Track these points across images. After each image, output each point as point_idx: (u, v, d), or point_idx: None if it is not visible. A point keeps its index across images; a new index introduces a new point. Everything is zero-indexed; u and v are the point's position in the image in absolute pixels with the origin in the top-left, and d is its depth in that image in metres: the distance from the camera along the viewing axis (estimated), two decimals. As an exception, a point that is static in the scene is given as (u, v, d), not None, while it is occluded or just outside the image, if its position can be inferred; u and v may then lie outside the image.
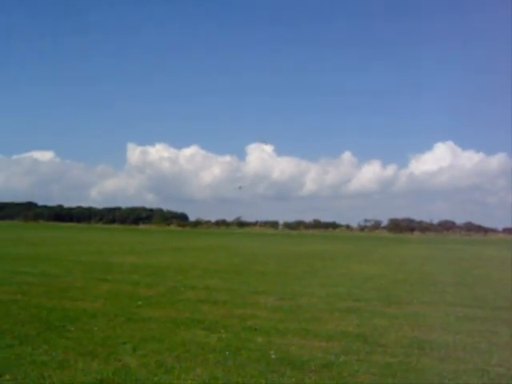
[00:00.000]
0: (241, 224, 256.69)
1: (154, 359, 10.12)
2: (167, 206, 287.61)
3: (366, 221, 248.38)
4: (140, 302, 16.55)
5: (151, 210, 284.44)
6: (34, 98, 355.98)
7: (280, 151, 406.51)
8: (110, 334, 12.14)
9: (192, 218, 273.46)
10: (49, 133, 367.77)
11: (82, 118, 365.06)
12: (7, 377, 8.83)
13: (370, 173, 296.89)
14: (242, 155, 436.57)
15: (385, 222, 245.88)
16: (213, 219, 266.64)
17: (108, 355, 10.26)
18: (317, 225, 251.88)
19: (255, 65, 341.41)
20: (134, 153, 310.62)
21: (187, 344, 11.42)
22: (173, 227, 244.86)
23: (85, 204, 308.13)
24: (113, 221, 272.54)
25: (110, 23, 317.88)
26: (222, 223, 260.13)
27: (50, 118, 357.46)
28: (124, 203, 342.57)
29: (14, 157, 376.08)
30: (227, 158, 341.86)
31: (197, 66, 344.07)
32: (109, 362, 9.82)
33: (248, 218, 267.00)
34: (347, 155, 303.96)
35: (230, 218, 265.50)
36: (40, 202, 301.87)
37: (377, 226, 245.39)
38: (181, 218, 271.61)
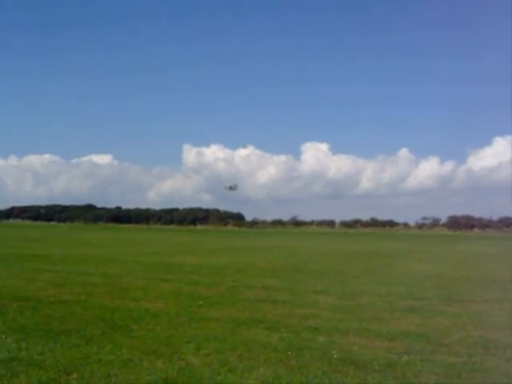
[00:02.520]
0: (297, 223, 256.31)
1: (217, 358, 10.19)
2: (223, 207, 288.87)
3: (423, 218, 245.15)
4: (201, 302, 16.70)
5: (208, 211, 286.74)
6: (92, 104, 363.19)
7: (335, 149, 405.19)
8: (172, 333, 12.28)
9: (248, 217, 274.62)
10: (107, 136, 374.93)
11: (138, 121, 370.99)
12: (75, 375, 9.03)
13: (428, 169, 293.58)
14: (297, 154, 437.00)
15: (443, 220, 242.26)
16: (269, 219, 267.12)
17: (172, 354, 10.39)
18: (374, 223, 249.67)
19: (310, 67, 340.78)
20: (190, 154, 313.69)
21: (249, 343, 11.46)
22: (229, 227, 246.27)
23: (143, 205, 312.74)
24: (170, 222, 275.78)
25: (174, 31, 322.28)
26: (278, 223, 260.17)
27: (108, 122, 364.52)
28: (181, 204, 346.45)
29: (74, 160, 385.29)
30: (282, 158, 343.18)
31: (253, 69, 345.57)
32: (173, 361, 9.93)
33: (304, 217, 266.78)
34: (404, 152, 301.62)
35: (285, 218, 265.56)
36: (99, 205, 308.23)
37: (435, 223, 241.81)
38: (237, 218, 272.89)
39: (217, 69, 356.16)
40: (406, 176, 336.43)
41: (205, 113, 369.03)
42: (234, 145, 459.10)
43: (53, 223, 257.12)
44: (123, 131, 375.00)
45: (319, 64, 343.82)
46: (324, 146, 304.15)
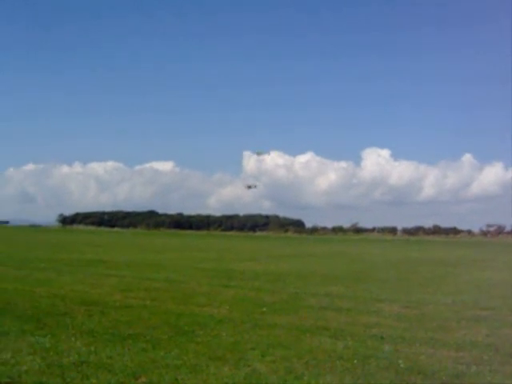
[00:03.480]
0: (358, 230, 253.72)
1: (283, 365, 10.19)
2: (283, 213, 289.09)
3: (488, 226, 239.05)
4: (264, 309, 16.73)
5: (268, 217, 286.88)
6: (154, 113, 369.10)
7: (397, 155, 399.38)
8: (238, 339, 12.34)
9: (308, 224, 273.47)
10: (169, 144, 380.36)
11: (199, 128, 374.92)
12: (143, 379, 9.16)
13: (492, 175, 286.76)
14: (357, 160, 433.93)
15: (508, 227, 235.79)
16: (329, 225, 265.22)
17: (238, 360, 10.44)
18: (437, 230, 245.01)
19: (368, 73, 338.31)
20: (250, 161, 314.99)
21: (314, 351, 11.42)
22: (289, 234, 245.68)
23: (203, 212, 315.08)
24: (231, 228, 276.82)
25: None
26: (338, 229, 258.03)
27: (170, 129, 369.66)
28: (241, 210, 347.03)
29: (137, 167, 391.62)
30: (343, 164, 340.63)
31: (309, 75, 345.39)
32: (239, 367, 9.98)
33: (365, 223, 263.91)
34: (467, 158, 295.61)
35: (346, 225, 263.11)
36: (161, 211, 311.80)
37: (500, 230, 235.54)
38: (297, 225, 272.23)
39: (277, 75, 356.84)
40: (469, 182, 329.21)
41: (265, 120, 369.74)
42: (293, 151, 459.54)
43: (116, 229, 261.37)
44: (185, 138, 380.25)
45: (380, 66, 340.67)
46: (385, 152, 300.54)
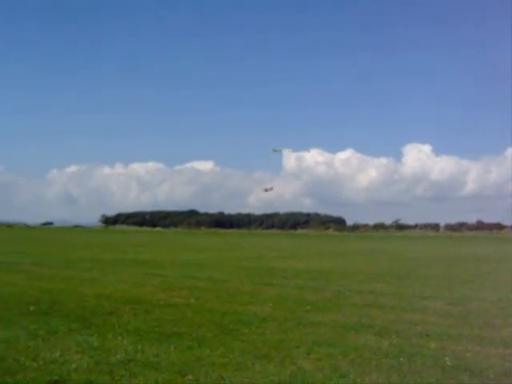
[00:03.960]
0: (400, 227, 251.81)
1: (329, 363, 10.18)
2: (324, 211, 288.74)
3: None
4: (308, 307, 16.71)
5: (308, 215, 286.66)
6: (193, 113, 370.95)
7: (438, 150, 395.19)
8: (282, 337, 12.36)
9: (349, 221, 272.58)
10: (209, 144, 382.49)
11: (238, 127, 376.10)
12: (190, 377, 9.24)
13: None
14: (398, 156, 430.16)
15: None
16: (370, 222, 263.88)
17: (283, 358, 10.46)
18: (480, 226, 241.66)
19: (408, 70, 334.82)
20: (290, 159, 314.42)
21: (359, 349, 11.38)
22: (330, 231, 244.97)
23: (244, 210, 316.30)
24: (271, 226, 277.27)
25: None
26: (380, 226, 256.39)
27: (210, 129, 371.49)
28: (282, 209, 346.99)
29: (177, 167, 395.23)
30: (383, 160, 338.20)
31: (350, 72, 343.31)
32: (284, 365, 10.00)
33: (407, 220, 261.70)
34: (511, 152, 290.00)
35: (388, 221, 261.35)
36: (201, 210, 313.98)
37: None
38: (338, 222, 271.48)
39: (316, 73, 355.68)
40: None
41: (304, 118, 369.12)
42: (333, 148, 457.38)
43: (157, 229, 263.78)
44: (224, 138, 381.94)
45: (419, 62, 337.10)
46: (426, 148, 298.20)
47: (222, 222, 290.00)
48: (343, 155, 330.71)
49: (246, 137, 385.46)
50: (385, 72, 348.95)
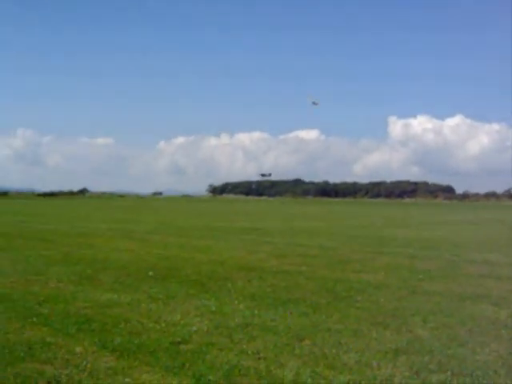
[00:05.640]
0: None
1: (446, 332, 10.05)
2: (432, 179, 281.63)
3: None
4: (421, 276, 16.50)
5: (416, 184, 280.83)
6: (296, 80, 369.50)
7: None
8: (396, 305, 12.30)
9: (459, 190, 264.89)
10: (313, 112, 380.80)
11: (343, 94, 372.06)
12: (307, 342, 9.38)
13: None
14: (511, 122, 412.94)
15: None
16: (481, 191, 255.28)
17: (399, 326, 10.42)
18: None
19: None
20: (396, 126, 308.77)
21: (477, 318, 11.15)
22: (439, 200, 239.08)
23: (349, 179, 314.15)
24: (377, 195, 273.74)
25: None
26: (491, 195, 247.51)
27: (317, 98, 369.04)
28: (388, 177, 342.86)
29: (281, 137, 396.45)
30: (495, 126, 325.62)
31: (450, 28, 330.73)
32: (400, 333, 9.97)
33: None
34: None
35: (500, 190, 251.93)
36: (307, 179, 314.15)
37: None
38: (447, 191, 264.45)
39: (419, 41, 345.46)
40: None
41: (411, 83, 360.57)
42: (441, 114, 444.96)
43: (263, 198, 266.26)
44: (329, 106, 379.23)
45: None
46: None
47: (327, 190, 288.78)
48: (452, 121, 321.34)
49: (350, 104, 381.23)
50: (495, 27, 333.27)
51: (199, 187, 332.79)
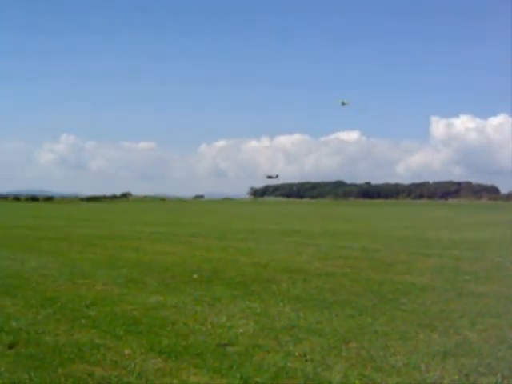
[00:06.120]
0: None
1: (495, 334, 9.90)
2: (476, 179, 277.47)
3: None
4: (467, 277, 16.29)
5: (459, 184, 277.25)
6: (337, 83, 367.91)
7: None
8: (443, 307, 12.16)
9: (503, 190, 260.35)
10: (354, 113, 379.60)
11: (383, 95, 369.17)
12: (354, 344, 9.34)
13: None
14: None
15: None
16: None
17: (446, 328, 10.29)
18: None
19: None
20: (438, 126, 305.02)
21: (527, 321, 10.98)
22: (483, 201, 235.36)
23: (391, 180, 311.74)
24: (420, 196, 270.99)
25: None
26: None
27: (355, 99, 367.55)
28: (431, 178, 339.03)
29: (322, 138, 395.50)
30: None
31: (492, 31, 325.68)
32: (449, 335, 9.85)
33: None
34: None
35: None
36: (348, 181, 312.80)
37: None
38: (491, 191, 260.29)
39: (462, 34, 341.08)
40: None
41: (452, 82, 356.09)
42: (484, 114, 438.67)
43: (304, 200, 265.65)
44: (369, 107, 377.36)
45: None
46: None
47: (369, 192, 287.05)
48: (496, 120, 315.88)
49: (391, 105, 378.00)
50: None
51: (240, 190, 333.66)
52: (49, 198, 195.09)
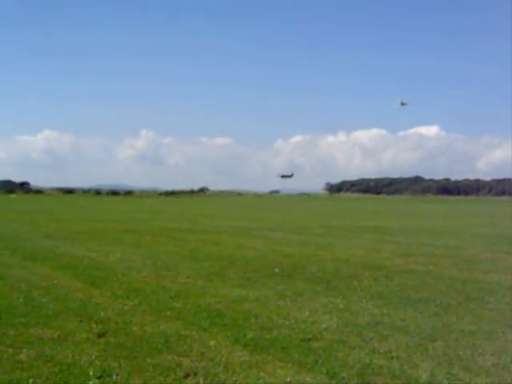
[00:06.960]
0: None
1: None
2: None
3: None
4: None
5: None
6: (418, 77, 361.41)
7: None
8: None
9: None
10: (431, 107, 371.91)
11: (461, 89, 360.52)
12: (440, 342, 9.20)
13: None
14: None
15: None
16: None
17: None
18: None
19: None
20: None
21: None
22: None
23: (472, 176, 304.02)
24: (502, 193, 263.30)
25: None
26: None
27: (432, 93, 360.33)
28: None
29: (400, 133, 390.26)
30: None
31: None
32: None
33: None
34: None
35: None
36: (427, 176, 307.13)
37: None
38: None
39: None
40: None
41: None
42: None
43: (382, 196, 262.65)
44: (449, 101, 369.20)
45: None
46: None
47: (448, 188, 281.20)
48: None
49: (472, 99, 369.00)
50: None
51: (316, 185, 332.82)
52: (129, 192, 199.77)
